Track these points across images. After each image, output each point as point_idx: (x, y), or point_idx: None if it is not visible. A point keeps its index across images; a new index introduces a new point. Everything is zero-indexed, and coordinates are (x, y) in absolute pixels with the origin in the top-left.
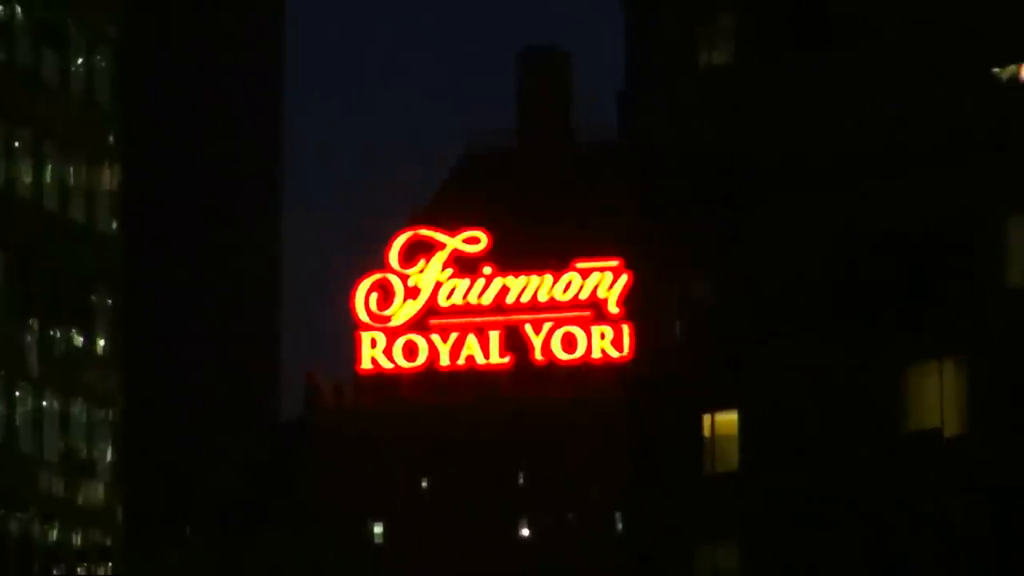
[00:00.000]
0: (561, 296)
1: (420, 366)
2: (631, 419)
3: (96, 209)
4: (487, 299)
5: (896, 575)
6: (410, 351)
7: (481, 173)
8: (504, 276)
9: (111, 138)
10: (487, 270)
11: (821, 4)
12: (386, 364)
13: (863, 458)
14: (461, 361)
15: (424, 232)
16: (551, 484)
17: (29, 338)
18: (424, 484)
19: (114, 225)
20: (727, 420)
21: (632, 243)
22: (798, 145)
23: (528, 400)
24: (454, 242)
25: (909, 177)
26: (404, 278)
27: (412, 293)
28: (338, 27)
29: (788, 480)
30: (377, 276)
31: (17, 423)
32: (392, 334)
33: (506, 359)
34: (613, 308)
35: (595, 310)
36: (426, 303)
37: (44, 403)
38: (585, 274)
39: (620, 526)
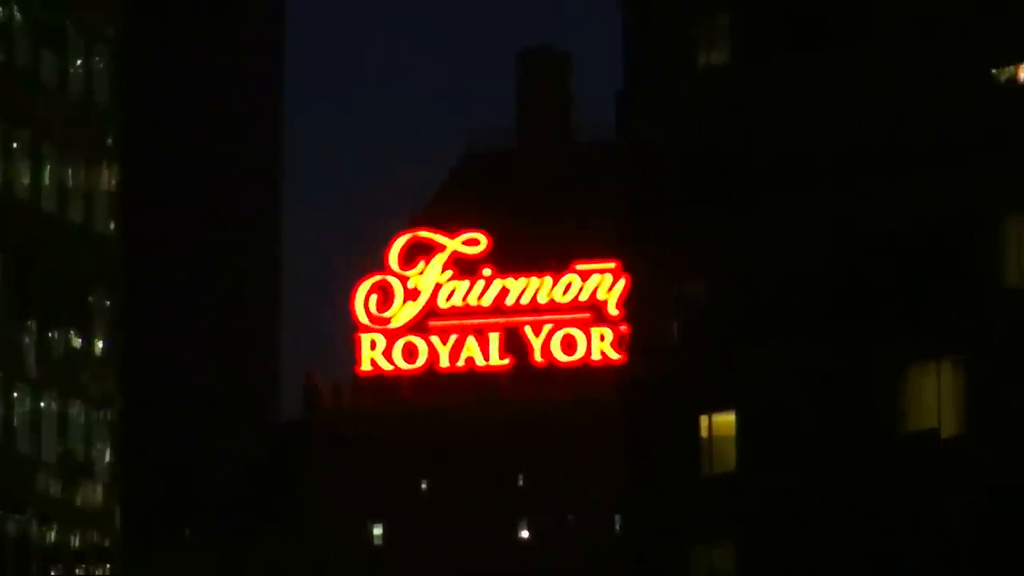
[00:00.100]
0: (561, 298)
1: (420, 368)
2: (626, 420)
3: (94, 210)
4: (487, 301)
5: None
6: (410, 353)
7: (481, 173)
8: (504, 278)
9: (109, 139)
10: (487, 272)
11: (819, 4)
12: (386, 366)
13: (860, 459)
14: (461, 363)
15: (424, 234)
16: (551, 486)
17: (27, 339)
18: (424, 485)
19: (112, 226)
20: (724, 421)
21: (628, 243)
22: (795, 145)
23: (528, 402)
24: (454, 244)
25: (907, 177)
26: (404, 280)
27: (412, 295)
28: (338, 27)
29: (785, 481)
30: (377, 278)
31: (15, 424)
32: (392, 336)
33: (506, 361)
34: (613, 310)
35: (595, 312)
36: (426, 305)
37: (42, 404)
38: (585, 276)
39: (620, 527)
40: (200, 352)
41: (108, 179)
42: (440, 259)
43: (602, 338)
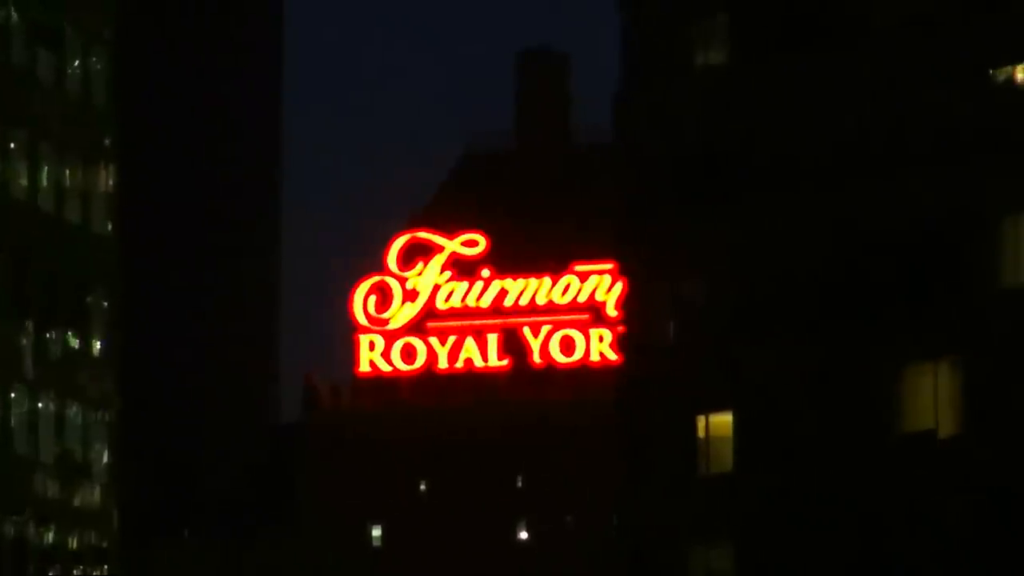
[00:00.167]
0: (559, 299)
1: (418, 369)
2: (622, 420)
3: (92, 211)
4: (485, 302)
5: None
6: (408, 354)
7: (480, 174)
8: (502, 279)
9: (107, 140)
10: (485, 273)
11: (817, 3)
12: (384, 367)
13: (857, 459)
14: (459, 364)
15: (422, 235)
16: (549, 487)
17: (25, 340)
18: (422, 487)
19: (110, 227)
20: (721, 421)
21: (624, 243)
22: (793, 145)
23: (526, 403)
24: (452, 245)
25: (906, 177)
26: (402, 281)
27: (410, 296)
28: (336, 29)
29: (783, 481)
30: (375, 279)
31: (13, 425)
32: (390, 337)
33: (504, 362)
34: (612, 311)
35: (593, 313)
36: (424, 306)
37: (40, 405)
38: (583, 277)
39: (615, 527)
40: (199, 353)
41: (106, 180)
42: (439, 260)
43: (601, 339)
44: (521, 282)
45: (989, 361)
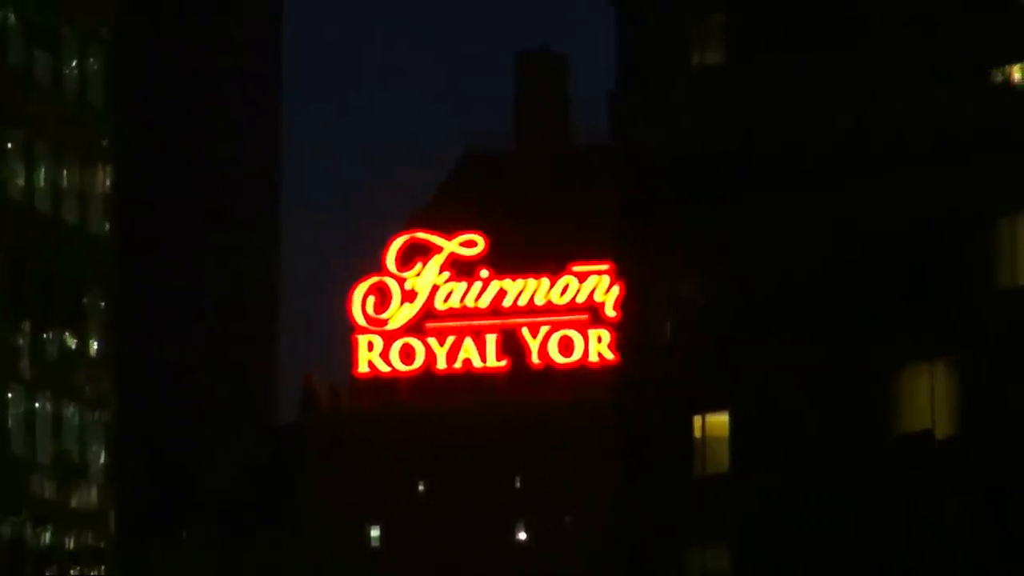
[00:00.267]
0: (558, 299)
1: (417, 369)
2: (619, 419)
3: (89, 211)
4: (484, 302)
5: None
6: (407, 354)
7: (479, 175)
8: (501, 279)
9: (104, 140)
10: (484, 273)
11: (816, 3)
12: (383, 367)
13: (854, 459)
14: (458, 364)
15: (421, 235)
16: (548, 487)
17: (21, 340)
18: (421, 487)
19: (107, 227)
20: (718, 421)
21: (622, 243)
22: (791, 144)
23: (525, 403)
24: (451, 245)
25: (905, 177)
26: (401, 281)
27: (409, 296)
28: (336, 29)
29: (779, 481)
30: (374, 279)
31: (10, 425)
32: (389, 337)
33: (503, 362)
34: (610, 311)
35: (592, 313)
36: (423, 306)
37: (37, 405)
38: (582, 277)
39: (612, 527)
40: (199, 354)
41: (103, 180)
42: (437, 260)
43: (599, 340)
44: (520, 282)
45: (986, 362)
